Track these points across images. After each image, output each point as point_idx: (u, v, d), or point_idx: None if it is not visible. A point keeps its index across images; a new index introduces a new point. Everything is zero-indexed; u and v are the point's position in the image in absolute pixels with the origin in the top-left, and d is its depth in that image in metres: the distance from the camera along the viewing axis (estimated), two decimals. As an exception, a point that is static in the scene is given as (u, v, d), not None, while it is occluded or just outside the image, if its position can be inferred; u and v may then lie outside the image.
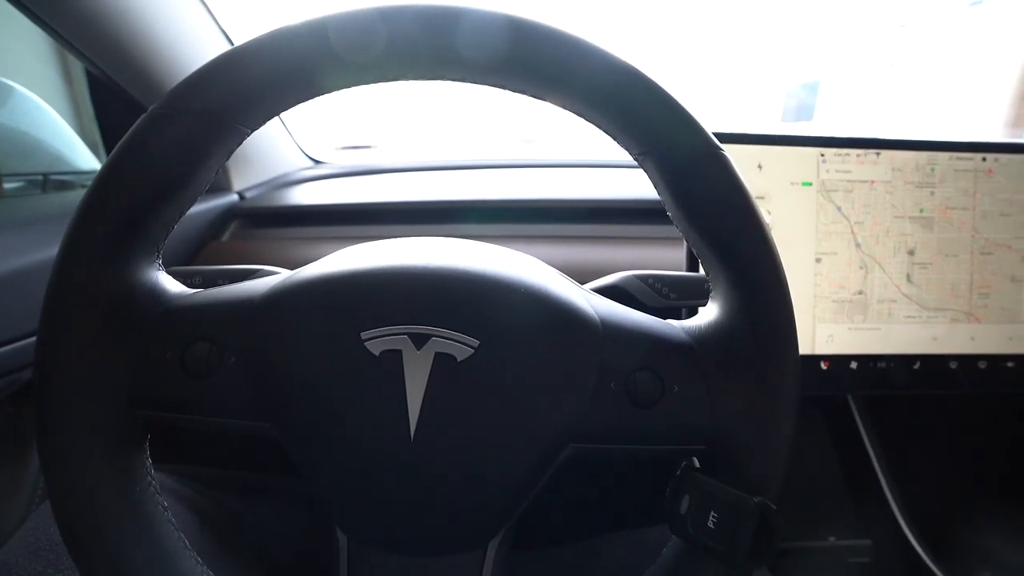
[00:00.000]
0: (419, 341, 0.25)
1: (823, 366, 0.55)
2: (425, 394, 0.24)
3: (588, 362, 0.26)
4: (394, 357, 0.24)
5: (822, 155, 0.54)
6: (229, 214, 0.73)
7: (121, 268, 0.25)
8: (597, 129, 0.28)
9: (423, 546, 0.27)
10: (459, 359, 0.25)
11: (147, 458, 0.27)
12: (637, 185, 0.78)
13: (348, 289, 0.26)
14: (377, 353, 0.25)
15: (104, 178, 0.25)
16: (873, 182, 0.54)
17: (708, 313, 0.28)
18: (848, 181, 0.54)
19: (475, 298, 0.26)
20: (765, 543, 0.24)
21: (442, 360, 0.25)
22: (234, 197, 0.76)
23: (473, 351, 0.25)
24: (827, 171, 0.54)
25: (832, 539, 0.68)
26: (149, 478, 0.27)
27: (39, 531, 0.36)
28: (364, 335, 0.25)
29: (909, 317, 0.55)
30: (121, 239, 0.25)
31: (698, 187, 0.26)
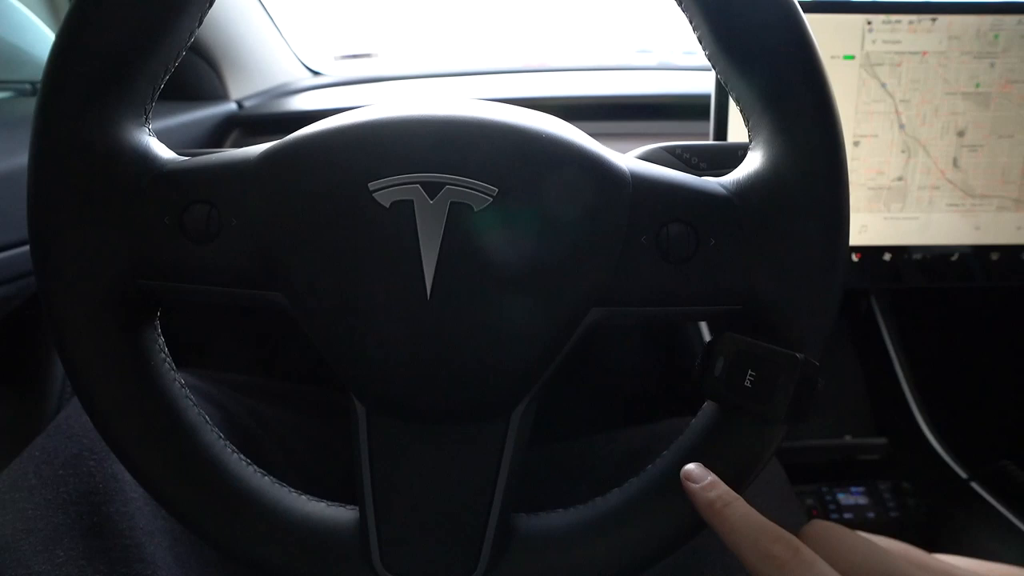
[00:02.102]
0: (432, 190, 0.23)
1: (854, 258, 0.53)
2: (440, 248, 0.23)
3: (616, 214, 0.24)
4: (406, 208, 0.23)
5: (869, 23, 0.48)
6: (228, 123, 0.71)
7: (106, 125, 0.23)
8: None
9: (444, 414, 0.26)
10: (476, 209, 0.23)
11: (159, 335, 0.26)
12: (653, 83, 0.75)
13: (353, 140, 0.24)
14: (387, 204, 0.23)
15: (77, 16, 0.22)
16: (925, 53, 0.49)
17: (748, 164, 0.26)
18: (896, 53, 0.49)
19: (493, 144, 0.23)
20: (806, 400, 0.23)
21: (457, 210, 0.23)
22: (232, 106, 0.73)
23: (491, 200, 0.23)
24: (873, 42, 0.48)
25: (848, 438, 0.68)
26: (163, 354, 0.26)
27: (72, 419, 0.37)
28: (372, 186, 0.23)
29: (952, 205, 0.52)
30: (105, 88, 0.23)
31: (741, 10, 0.23)
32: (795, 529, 0.25)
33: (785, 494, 0.44)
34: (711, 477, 0.24)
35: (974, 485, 0.58)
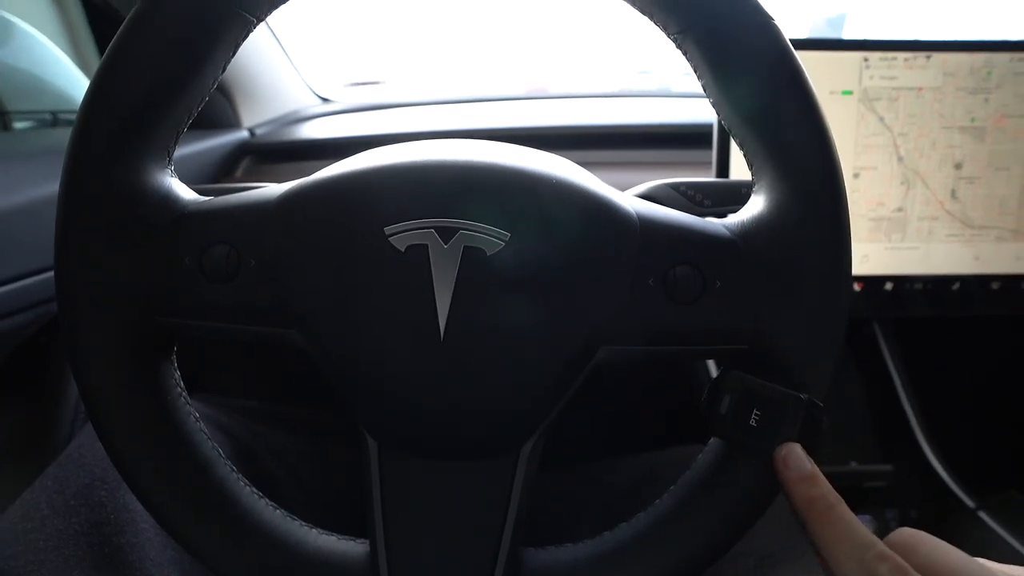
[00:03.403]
0: (446, 235, 0.23)
1: (856, 287, 0.53)
2: (454, 290, 0.23)
3: (625, 257, 0.24)
4: (420, 252, 0.23)
5: (866, 60, 0.50)
6: (240, 150, 0.72)
7: (131, 170, 0.24)
8: (629, 6, 0.26)
9: (455, 450, 0.27)
10: (489, 253, 0.23)
11: (175, 370, 0.27)
12: (653, 112, 0.76)
13: (370, 184, 0.25)
14: (403, 248, 0.23)
15: (107, 68, 0.23)
16: (921, 89, 0.50)
17: (752, 207, 0.26)
18: (893, 88, 0.50)
19: (505, 190, 0.24)
20: (811, 441, 0.23)
21: (471, 254, 0.23)
22: (244, 134, 0.75)
23: (503, 244, 0.23)
24: (870, 78, 0.50)
25: (853, 464, 0.68)
26: (179, 389, 0.27)
27: (84, 447, 0.37)
28: (388, 230, 0.23)
29: (951, 235, 0.53)
30: (129, 138, 0.24)
31: (742, 59, 0.24)
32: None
33: (789, 521, 0.44)
34: (811, 467, 0.21)
35: (982, 514, 0.57)
